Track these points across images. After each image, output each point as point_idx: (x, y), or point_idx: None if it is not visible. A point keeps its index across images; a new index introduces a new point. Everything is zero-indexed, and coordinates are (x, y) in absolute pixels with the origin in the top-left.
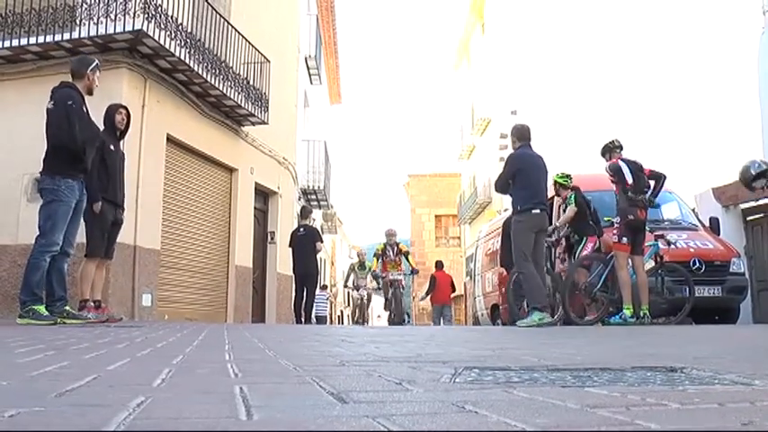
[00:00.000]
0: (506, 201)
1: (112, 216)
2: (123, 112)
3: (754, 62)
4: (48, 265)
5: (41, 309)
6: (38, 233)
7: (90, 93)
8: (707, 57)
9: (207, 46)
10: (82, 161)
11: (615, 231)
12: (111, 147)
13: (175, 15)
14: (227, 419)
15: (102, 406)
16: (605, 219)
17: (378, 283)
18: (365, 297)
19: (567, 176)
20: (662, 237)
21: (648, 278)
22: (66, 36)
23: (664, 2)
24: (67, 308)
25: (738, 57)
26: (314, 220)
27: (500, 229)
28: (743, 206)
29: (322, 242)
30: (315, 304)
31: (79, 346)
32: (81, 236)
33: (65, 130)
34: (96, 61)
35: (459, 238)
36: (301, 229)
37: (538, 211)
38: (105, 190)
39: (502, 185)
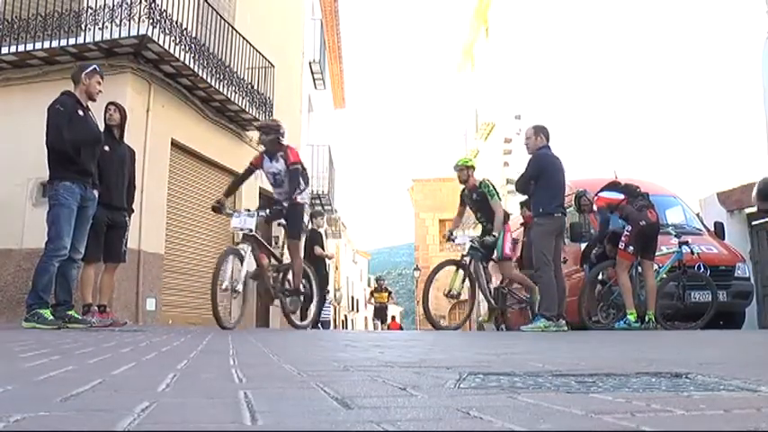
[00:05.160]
0: (510, 206)
1: (107, 219)
2: (111, 108)
3: (759, 66)
4: (56, 269)
5: (47, 313)
6: (46, 239)
7: (91, 97)
8: (711, 61)
9: (211, 51)
10: (75, 162)
11: (624, 239)
12: (106, 148)
13: (180, 20)
14: (231, 424)
15: (107, 411)
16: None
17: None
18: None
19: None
20: (686, 243)
21: (670, 283)
22: (72, 41)
23: (668, 7)
24: (71, 312)
25: (743, 61)
26: (319, 225)
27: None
28: (748, 211)
29: (321, 247)
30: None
31: (84, 350)
32: None
33: (51, 133)
34: (93, 66)
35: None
36: (305, 235)
37: (560, 214)
38: (99, 193)
39: (523, 185)
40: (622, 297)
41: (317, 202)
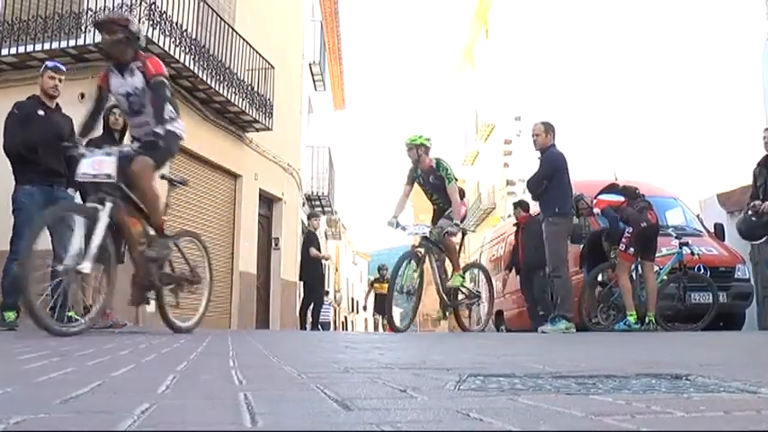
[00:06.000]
0: (509, 207)
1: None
2: (117, 111)
3: (759, 67)
4: (14, 272)
5: (8, 315)
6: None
7: (47, 95)
8: (712, 63)
9: (211, 52)
10: (36, 163)
11: (624, 241)
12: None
13: (180, 22)
14: (231, 426)
15: (106, 412)
16: None
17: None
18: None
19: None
20: (686, 244)
21: (670, 284)
22: (72, 43)
23: (668, 8)
24: (71, 313)
25: (743, 62)
26: (315, 227)
27: (505, 235)
28: None
29: (316, 249)
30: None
31: (84, 352)
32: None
33: (4, 137)
34: (45, 63)
35: (462, 243)
36: (303, 236)
37: (572, 214)
38: None
39: (536, 185)
40: (622, 298)
41: (317, 203)
